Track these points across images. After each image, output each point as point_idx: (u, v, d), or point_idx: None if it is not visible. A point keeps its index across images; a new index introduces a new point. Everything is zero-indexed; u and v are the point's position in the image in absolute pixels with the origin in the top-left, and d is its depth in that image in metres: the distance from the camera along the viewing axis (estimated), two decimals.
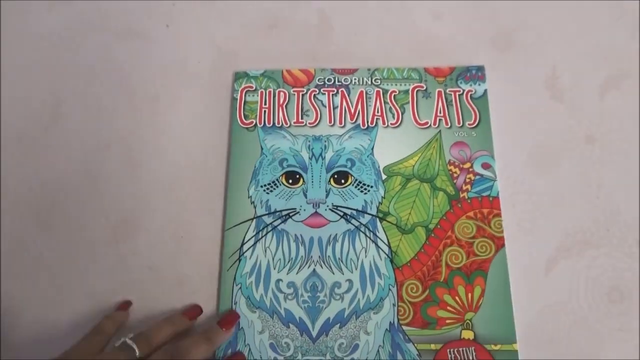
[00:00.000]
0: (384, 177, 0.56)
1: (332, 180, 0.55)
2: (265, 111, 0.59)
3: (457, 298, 0.51)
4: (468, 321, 0.51)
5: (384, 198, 0.55)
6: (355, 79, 0.60)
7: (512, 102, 0.60)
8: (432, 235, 0.53)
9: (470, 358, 0.50)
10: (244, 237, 0.54)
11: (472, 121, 0.57)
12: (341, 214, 0.54)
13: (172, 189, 0.58)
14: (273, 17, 0.66)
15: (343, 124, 0.58)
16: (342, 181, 0.55)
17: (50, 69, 0.65)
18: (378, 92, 0.59)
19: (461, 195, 0.55)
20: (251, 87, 0.60)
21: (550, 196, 0.56)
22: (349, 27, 0.65)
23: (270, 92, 0.60)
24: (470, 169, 0.56)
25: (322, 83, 0.60)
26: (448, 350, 0.50)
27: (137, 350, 0.45)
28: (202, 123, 0.61)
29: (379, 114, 0.58)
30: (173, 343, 0.47)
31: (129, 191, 0.58)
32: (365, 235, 0.54)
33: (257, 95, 0.60)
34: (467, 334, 0.50)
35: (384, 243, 0.53)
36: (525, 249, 0.54)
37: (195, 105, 0.62)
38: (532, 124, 0.59)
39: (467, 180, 0.55)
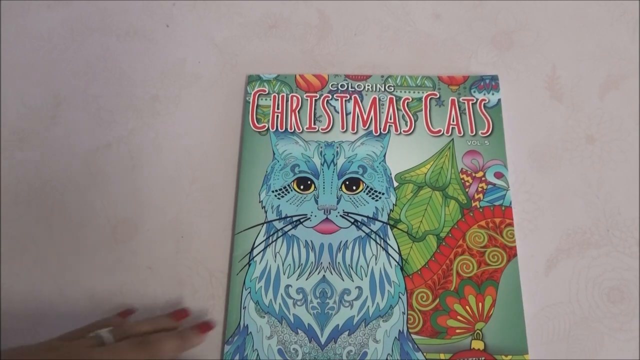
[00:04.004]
0: (395, 184, 0.60)
1: (343, 186, 0.60)
2: (277, 116, 0.64)
3: (467, 307, 0.55)
4: (478, 331, 0.54)
5: (396, 205, 0.59)
6: (368, 86, 0.65)
7: (511, 102, 0.65)
8: (443, 243, 0.58)
9: None
10: (254, 242, 0.58)
11: (485, 130, 0.62)
12: (352, 220, 0.58)
13: (172, 189, 0.63)
14: (273, 18, 0.71)
15: (355, 130, 0.63)
16: (354, 188, 0.60)
17: (50, 69, 0.69)
18: (391, 99, 0.64)
19: (473, 204, 0.59)
20: (264, 90, 0.65)
21: (550, 196, 0.61)
22: (348, 27, 0.70)
23: (283, 96, 0.65)
24: (483, 178, 0.60)
25: (335, 89, 0.65)
26: None
27: (105, 340, 0.49)
28: (201, 123, 0.66)
29: (392, 121, 0.63)
30: (146, 334, 0.51)
31: (129, 191, 0.62)
32: (376, 242, 0.58)
33: (270, 100, 0.65)
34: (477, 344, 0.54)
35: (395, 250, 0.57)
36: (526, 249, 0.58)
37: (195, 105, 0.66)
38: (532, 124, 0.64)
39: (480, 189, 0.60)
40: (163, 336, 0.51)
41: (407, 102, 0.64)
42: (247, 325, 0.56)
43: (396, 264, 0.57)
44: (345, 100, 0.65)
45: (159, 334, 0.51)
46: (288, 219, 0.59)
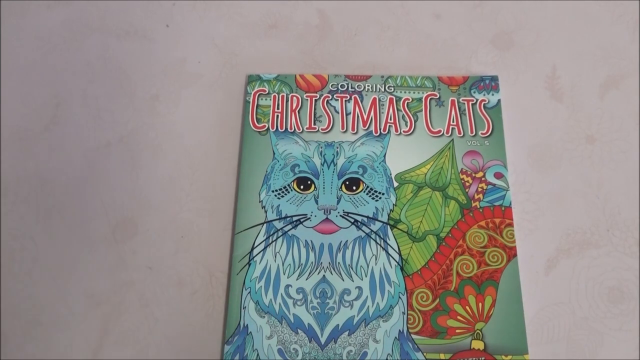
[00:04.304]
0: (395, 184, 0.60)
1: (343, 186, 0.60)
2: (277, 115, 0.64)
3: (467, 308, 0.56)
4: (478, 331, 0.55)
5: (396, 205, 0.60)
6: (368, 86, 0.65)
7: (511, 102, 0.65)
8: (443, 243, 0.58)
9: None
10: (254, 242, 0.58)
11: (485, 130, 0.63)
12: (352, 220, 0.59)
13: (172, 189, 0.63)
14: (273, 18, 0.72)
15: (355, 130, 0.63)
16: (354, 188, 0.60)
17: (50, 69, 0.69)
18: (391, 99, 0.65)
19: (473, 205, 0.60)
20: (264, 90, 0.65)
21: (550, 196, 0.62)
22: (348, 27, 0.71)
23: (283, 96, 0.65)
24: (483, 179, 0.61)
25: (336, 89, 0.65)
26: None
27: None
28: (201, 123, 0.66)
29: (392, 121, 0.64)
30: None
31: (129, 191, 0.63)
32: (376, 242, 0.58)
33: (270, 99, 0.65)
34: (477, 344, 0.54)
35: (395, 251, 0.58)
36: (526, 249, 0.59)
37: (195, 105, 0.67)
38: (532, 124, 0.65)
39: (479, 189, 0.60)
40: None
41: (407, 103, 0.65)
42: (247, 325, 0.56)
43: (396, 264, 0.58)
44: (345, 101, 0.65)
45: None
46: (288, 218, 0.59)
